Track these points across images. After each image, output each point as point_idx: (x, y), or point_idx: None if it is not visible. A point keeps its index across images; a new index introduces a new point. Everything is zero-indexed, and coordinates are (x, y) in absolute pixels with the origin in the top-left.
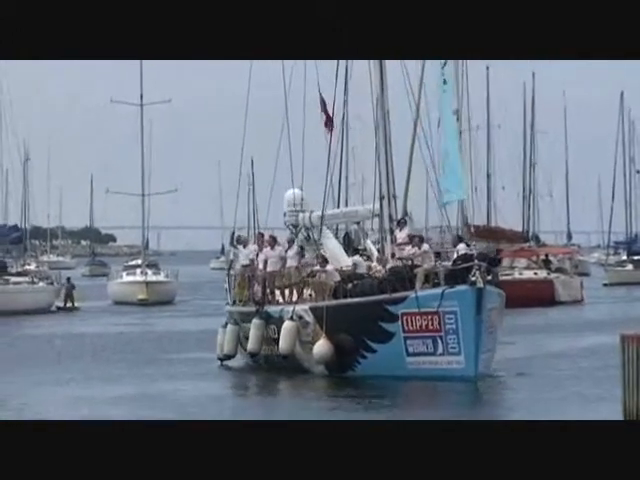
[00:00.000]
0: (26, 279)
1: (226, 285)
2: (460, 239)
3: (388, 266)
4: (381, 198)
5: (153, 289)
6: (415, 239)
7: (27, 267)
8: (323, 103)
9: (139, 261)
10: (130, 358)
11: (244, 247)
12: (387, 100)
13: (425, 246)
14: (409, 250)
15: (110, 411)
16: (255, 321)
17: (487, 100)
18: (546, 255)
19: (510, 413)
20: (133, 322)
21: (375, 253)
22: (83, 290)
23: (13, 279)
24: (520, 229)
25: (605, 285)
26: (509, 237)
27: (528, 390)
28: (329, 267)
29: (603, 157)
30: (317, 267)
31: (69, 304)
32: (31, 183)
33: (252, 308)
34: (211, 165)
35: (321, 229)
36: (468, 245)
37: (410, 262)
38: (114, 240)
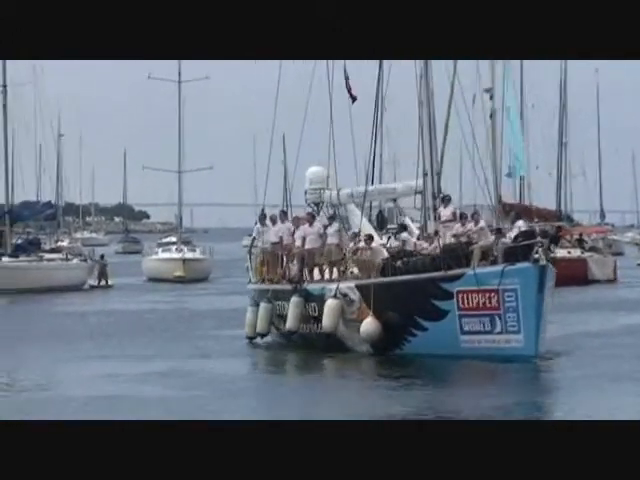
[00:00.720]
0: (60, 256)
1: (248, 263)
2: (519, 216)
3: (433, 244)
4: (424, 174)
5: (189, 266)
6: (475, 215)
7: (60, 244)
8: (346, 78)
9: (173, 238)
10: (163, 335)
11: (274, 225)
12: (432, 76)
13: (482, 223)
14: (465, 227)
15: (139, 387)
16: (294, 299)
17: (521, 79)
18: (580, 234)
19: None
20: (167, 299)
21: (415, 231)
22: (116, 267)
23: (47, 256)
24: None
25: (639, 265)
26: (544, 216)
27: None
28: (375, 244)
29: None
30: (362, 244)
31: (102, 282)
32: (64, 159)
33: (286, 286)
34: (247, 142)
35: (363, 206)
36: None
37: (466, 239)
38: (147, 217)
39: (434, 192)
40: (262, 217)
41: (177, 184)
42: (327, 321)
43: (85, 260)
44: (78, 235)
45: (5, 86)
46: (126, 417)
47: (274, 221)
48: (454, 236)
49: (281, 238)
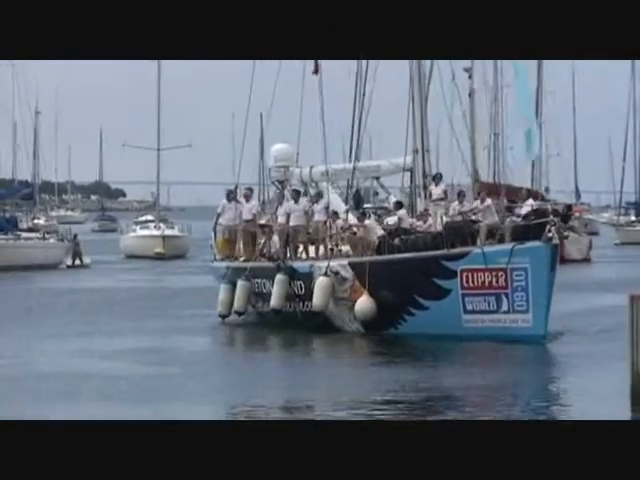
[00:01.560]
0: (37, 235)
1: (212, 241)
2: (529, 194)
3: (427, 222)
4: (415, 152)
5: (169, 243)
6: (482, 194)
7: (37, 222)
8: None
9: (149, 216)
10: (140, 313)
11: (247, 202)
12: None
13: (488, 201)
14: (472, 204)
15: (109, 364)
16: (279, 277)
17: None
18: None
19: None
20: (147, 277)
21: (402, 211)
22: (93, 245)
23: (24, 234)
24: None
25: (616, 245)
26: (515, 195)
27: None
28: (368, 222)
29: (614, 118)
30: (355, 221)
31: (77, 262)
32: (40, 137)
33: (267, 264)
34: (226, 120)
35: (349, 184)
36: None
37: (471, 217)
38: (124, 195)
39: (424, 170)
40: (229, 193)
41: (154, 162)
42: (317, 299)
43: (62, 240)
44: (54, 213)
45: None
46: (105, 400)
47: (246, 198)
48: (460, 213)
49: (255, 215)
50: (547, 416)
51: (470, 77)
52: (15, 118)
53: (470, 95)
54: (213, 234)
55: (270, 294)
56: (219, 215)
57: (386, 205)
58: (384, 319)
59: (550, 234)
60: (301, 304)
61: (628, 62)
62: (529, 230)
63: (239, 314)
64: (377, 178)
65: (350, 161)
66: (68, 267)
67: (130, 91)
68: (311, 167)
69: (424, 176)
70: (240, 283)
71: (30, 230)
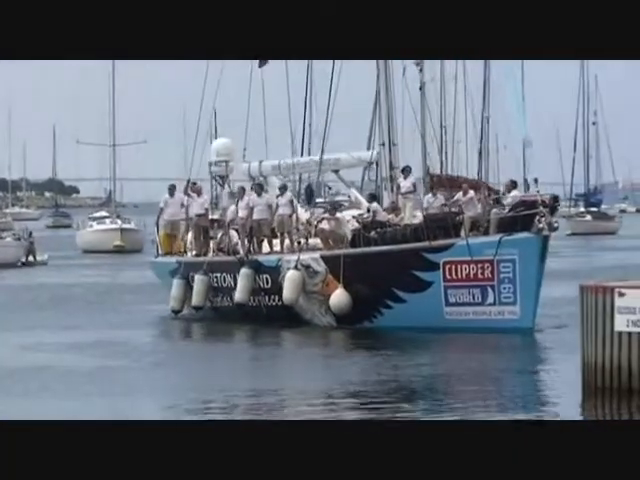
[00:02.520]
0: None
1: (155, 236)
2: (514, 185)
3: (400, 215)
4: (381, 145)
5: (127, 236)
6: (464, 186)
7: None
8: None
9: (103, 212)
10: (93, 307)
11: (198, 196)
12: None
13: (471, 193)
14: (457, 196)
15: (60, 356)
16: (244, 271)
17: None
18: None
19: None
20: (103, 272)
21: (364, 202)
22: (48, 241)
23: None
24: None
25: (568, 235)
26: (473, 186)
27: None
28: (339, 215)
29: (563, 109)
30: (326, 215)
31: (31, 258)
32: None
33: (227, 258)
34: (179, 116)
35: (321, 177)
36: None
37: (453, 209)
38: (77, 192)
39: (392, 163)
40: (171, 188)
41: (107, 159)
42: (288, 293)
43: (19, 239)
44: (9, 210)
45: None
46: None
47: (197, 192)
48: (444, 205)
49: (207, 210)
50: (546, 416)
51: (421, 70)
52: None
53: (421, 89)
54: (156, 229)
55: (230, 288)
56: (161, 210)
57: (340, 199)
58: (359, 312)
59: (541, 225)
60: (267, 298)
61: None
62: (516, 221)
63: (197, 309)
64: (336, 171)
65: (301, 155)
66: (22, 264)
67: (82, 89)
68: (260, 161)
69: (391, 169)
70: (198, 277)
71: None
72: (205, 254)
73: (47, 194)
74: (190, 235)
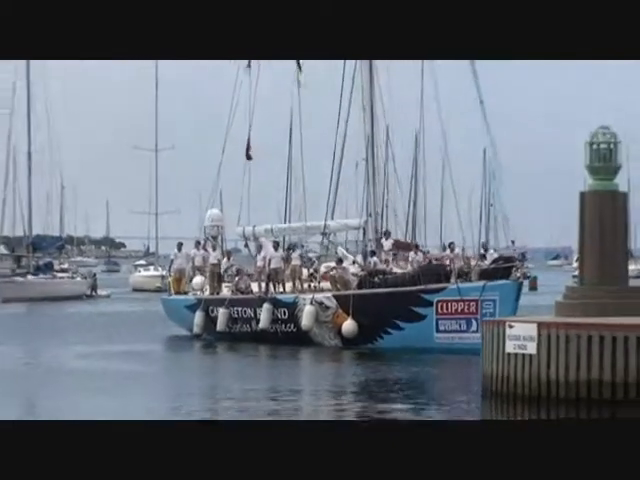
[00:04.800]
0: (67, 274)
1: (168, 280)
2: (486, 246)
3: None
4: (369, 215)
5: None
6: (452, 244)
7: (62, 266)
8: (248, 139)
9: (143, 261)
10: (138, 328)
11: (214, 250)
12: (373, 124)
13: (457, 250)
14: (443, 253)
15: (108, 362)
16: (266, 305)
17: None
18: None
19: None
20: (144, 305)
21: (350, 257)
22: (105, 282)
23: (59, 275)
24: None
25: None
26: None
27: None
28: (344, 264)
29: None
30: (334, 264)
31: (93, 292)
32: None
33: (247, 296)
34: (197, 194)
35: (325, 239)
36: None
37: (439, 262)
38: (124, 246)
39: (376, 228)
40: (179, 245)
41: (148, 223)
42: (306, 322)
43: (85, 277)
44: (75, 259)
45: None
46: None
47: (213, 247)
48: (436, 259)
49: (219, 260)
50: (546, 416)
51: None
52: (45, 188)
53: (367, 182)
54: (168, 274)
55: (249, 319)
56: (172, 261)
57: (315, 254)
58: (363, 337)
59: (518, 274)
60: (283, 326)
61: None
62: (497, 271)
63: (220, 334)
64: (324, 234)
65: (285, 221)
66: (87, 297)
67: (131, 170)
68: (254, 226)
69: (376, 232)
70: (222, 310)
71: (62, 271)
72: (218, 293)
73: (102, 247)
74: (198, 279)
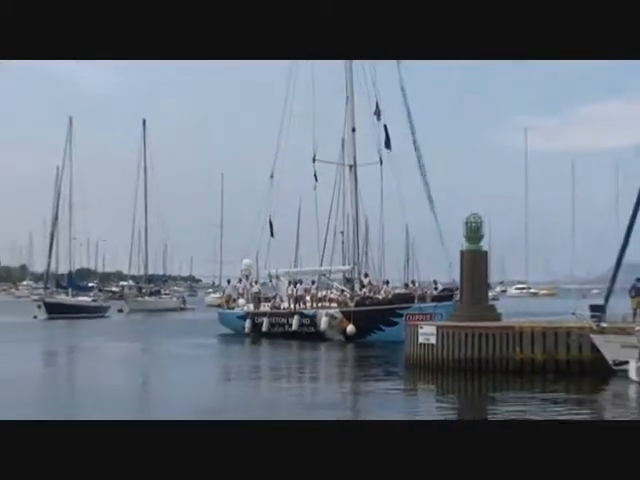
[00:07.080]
0: (168, 296)
1: (223, 300)
2: (436, 282)
3: (382, 293)
4: (354, 264)
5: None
6: (414, 281)
7: (165, 291)
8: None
9: (211, 290)
10: (211, 328)
11: (256, 284)
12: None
13: (416, 284)
14: (411, 287)
15: (190, 350)
16: (296, 317)
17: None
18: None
19: None
20: (213, 315)
21: (342, 288)
22: (190, 301)
23: (163, 296)
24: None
25: None
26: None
27: None
28: (346, 293)
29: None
30: (339, 293)
31: (183, 306)
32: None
33: (281, 310)
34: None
35: (335, 282)
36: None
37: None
38: (200, 281)
39: (359, 271)
40: (228, 281)
41: (216, 267)
42: (324, 326)
43: (179, 298)
44: (172, 288)
45: None
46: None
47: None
48: (404, 289)
49: (259, 290)
50: (545, 416)
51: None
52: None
53: (343, 243)
54: (223, 296)
55: (283, 324)
56: (224, 290)
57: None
58: (359, 334)
59: (457, 298)
60: (306, 328)
61: None
62: (444, 296)
63: (263, 333)
64: (324, 275)
65: (295, 266)
66: (180, 309)
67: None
68: (276, 269)
69: (359, 273)
70: (266, 319)
71: (165, 294)
72: (258, 308)
73: (187, 282)
74: (241, 300)
